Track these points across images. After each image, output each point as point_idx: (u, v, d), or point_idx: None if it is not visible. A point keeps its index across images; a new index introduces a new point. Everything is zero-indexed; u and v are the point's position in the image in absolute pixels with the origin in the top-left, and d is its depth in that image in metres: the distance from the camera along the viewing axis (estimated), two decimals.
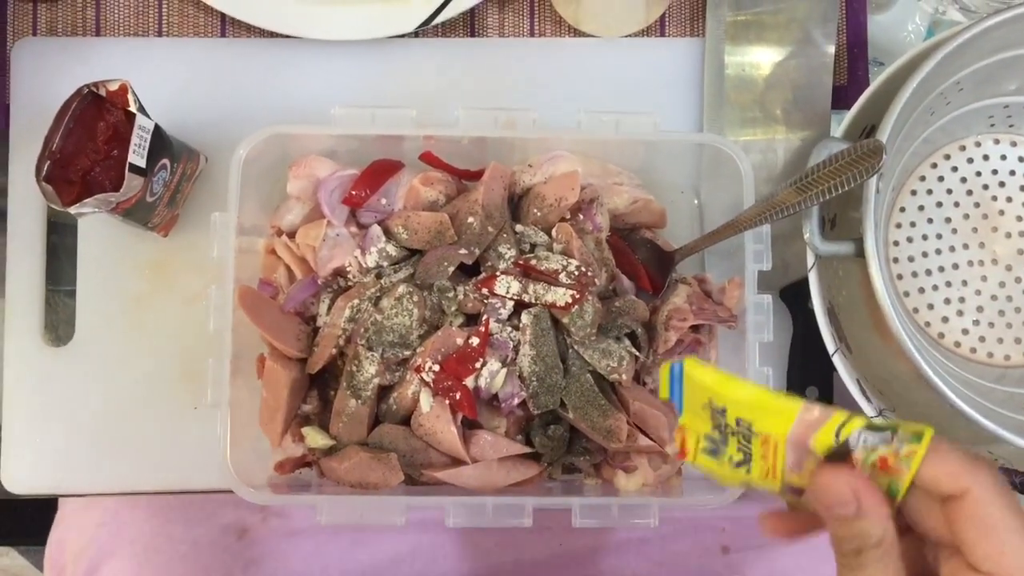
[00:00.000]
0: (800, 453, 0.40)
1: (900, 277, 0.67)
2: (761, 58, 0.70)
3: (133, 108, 0.57)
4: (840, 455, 0.39)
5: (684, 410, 0.43)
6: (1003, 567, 0.37)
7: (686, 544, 0.71)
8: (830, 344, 0.60)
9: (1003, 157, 0.68)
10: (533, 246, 0.64)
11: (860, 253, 0.57)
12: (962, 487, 0.38)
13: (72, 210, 0.56)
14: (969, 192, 0.67)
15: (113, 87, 0.57)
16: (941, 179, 0.68)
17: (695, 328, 0.64)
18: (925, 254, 0.67)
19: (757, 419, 0.41)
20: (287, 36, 0.69)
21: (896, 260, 0.67)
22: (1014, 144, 0.68)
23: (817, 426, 0.40)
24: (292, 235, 0.64)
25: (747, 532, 0.71)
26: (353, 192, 0.63)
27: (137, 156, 0.57)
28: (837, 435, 0.39)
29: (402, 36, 0.69)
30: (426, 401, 0.60)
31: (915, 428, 0.38)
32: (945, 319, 0.67)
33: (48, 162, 0.57)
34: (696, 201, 0.69)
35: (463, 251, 0.62)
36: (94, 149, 0.58)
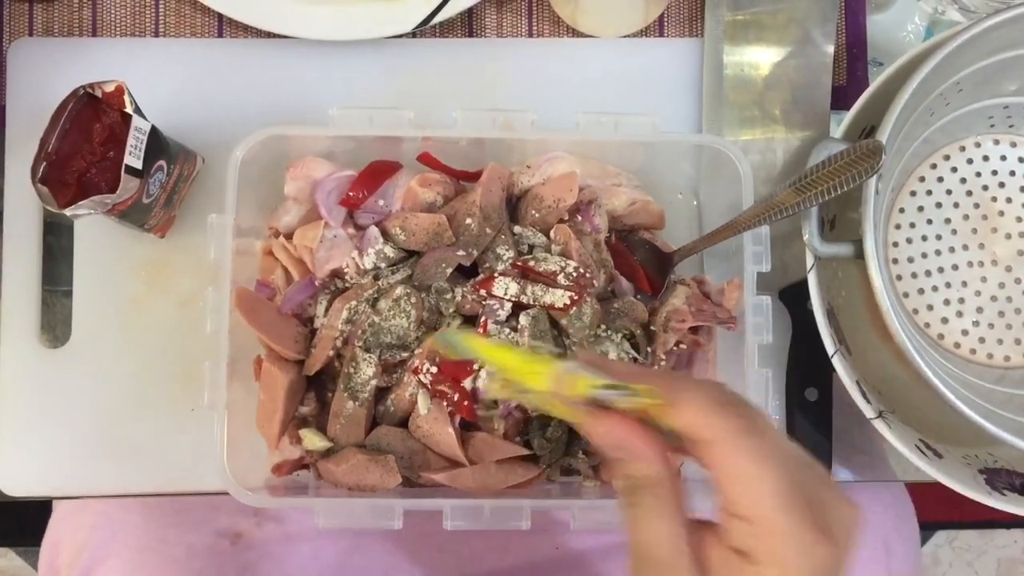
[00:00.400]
0: (570, 401, 0.42)
1: (899, 278, 0.67)
2: (760, 58, 0.70)
3: (129, 109, 0.57)
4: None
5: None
6: (747, 511, 0.38)
7: None
8: (829, 345, 0.60)
9: (1003, 158, 0.68)
10: (531, 247, 0.63)
11: (859, 254, 0.57)
12: (704, 437, 0.39)
13: (68, 212, 0.56)
14: (969, 193, 0.67)
15: (109, 88, 0.57)
16: (941, 180, 0.67)
17: (694, 330, 0.64)
18: (924, 255, 0.67)
19: (525, 378, 0.44)
20: (284, 36, 0.68)
21: (895, 261, 0.67)
22: (1014, 145, 0.68)
23: (567, 384, 0.42)
24: (289, 236, 0.64)
25: None
26: (350, 193, 0.62)
27: (133, 158, 0.57)
28: (583, 390, 0.41)
29: (400, 36, 0.69)
30: (424, 403, 0.60)
31: (639, 387, 0.40)
32: (945, 320, 0.66)
33: (44, 164, 0.56)
34: (695, 202, 0.69)
35: (461, 252, 0.61)
36: (90, 151, 0.57)
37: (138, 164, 0.57)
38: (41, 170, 0.56)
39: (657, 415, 0.40)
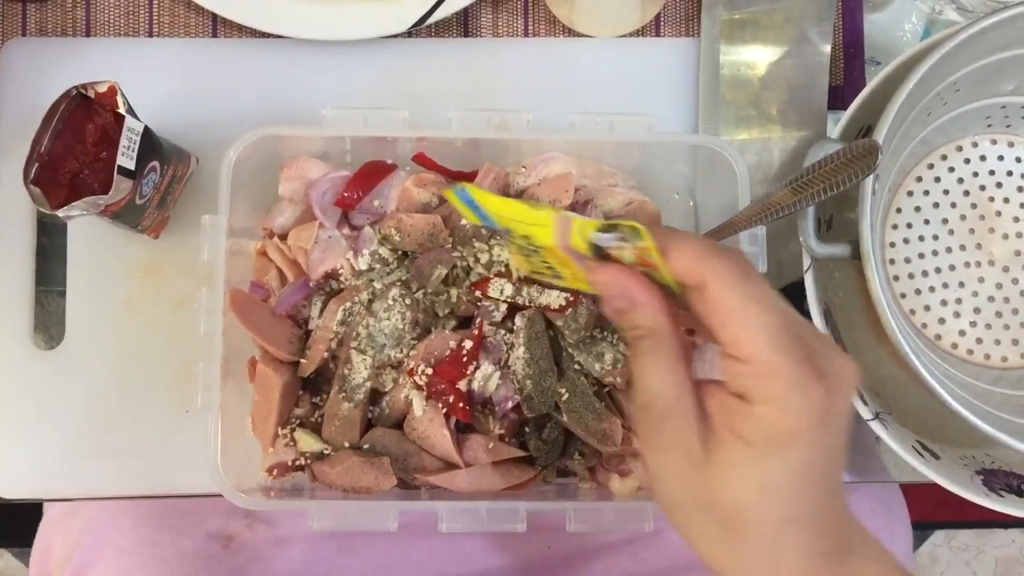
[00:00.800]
0: (577, 256, 0.44)
1: (896, 279, 0.66)
2: (756, 58, 0.70)
3: (122, 110, 0.57)
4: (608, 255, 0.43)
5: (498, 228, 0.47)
6: (741, 351, 0.39)
7: (676, 543, 0.71)
8: None
9: (1000, 158, 0.67)
10: None
11: (856, 255, 0.56)
12: (699, 279, 0.40)
13: (60, 213, 0.55)
14: (966, 193, 0.67)
15: (102, 89, 0.57)
16: (938, 180, 0.67)
17: (691, 331, 0.63)
18: (922, 255, 0.66)
19: (532, 233, 0.45)
20: (279, 36, 0.68)
21: (892, 261, 0.67)
22: (1011, 145, 0.68)
23: (568, 232, 0.43)
24: (284, 237, 0.63)
25: None
26: (345, 194, 0.62)
27: (126, 158, 0.56)
28: (584, 232, 0.43)
29: (395, 36, 0.69)
30: (419, 405, 0.60)
31: (630, 224, 0.41)
32: (942, 321, 0.66)
33: (36, 165, 0.56)
34: (692, 202, 0.69)
35: (456, 253, 0.61)
36: (83, 151, 0.57)
37: (131, 165, 0.57)
38: (33, 171, 0.56)
39: (657, 267, 0.42)
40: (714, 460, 0.40)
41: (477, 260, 0.61)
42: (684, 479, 0.41)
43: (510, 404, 0.60)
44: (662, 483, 0.42)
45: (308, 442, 0.61)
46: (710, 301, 0.40)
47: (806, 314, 0.60)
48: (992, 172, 0.67)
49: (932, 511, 1.47)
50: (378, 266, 0.62)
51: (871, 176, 0.55)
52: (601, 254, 0.43)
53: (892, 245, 0.67)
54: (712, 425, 0.41)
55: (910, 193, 0.67)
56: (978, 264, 0.66)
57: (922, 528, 1.50)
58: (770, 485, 0.39)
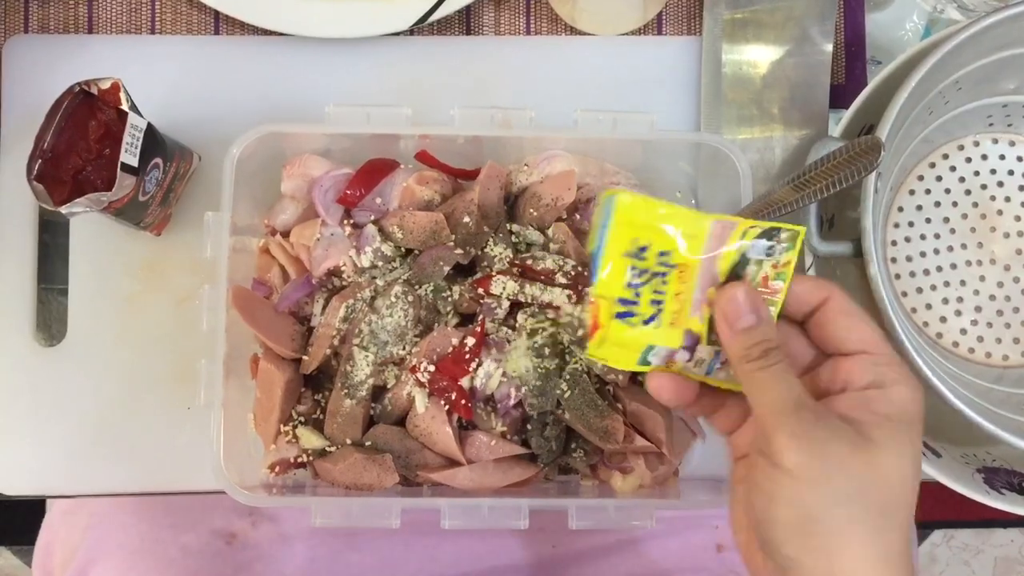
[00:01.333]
0: (707, 280, 0.47)
1: (898, 277, 0.67)
2: (758, 56, 0.70)
3: (125, 107, 0.57)
4: (736, 278, 0.47)
5: (600, 266, 0.47)
6: (869, 344, 0.45)
7: (680, 542, 0.71)
8: None
9: (1001, 157, 0.68)
10: (529, 246, 0.63)
11: (858, 253, 0.56)
12: (824, 294, 0.47)
13: (63, 210, 0.55)
14: (967, 192, 0.67)
15: (105, 85, 0.57)
16: (939, 179, 0.67)
17: None
18: (923, 254, 0.67)
19: (676, 245, 0.47)
20: (281, 34, 0.68)
21: (894, 260, 0.67)
22: (1012, 144, 0.68)
23: (727, 234, 0.47)
24: (286, 234, 0.63)
25: None
26: (348, 191, 0.62)
27: (129, 155, 0.56)
28: (744, 236, 0.47)
29: (397, 34, 0.69)
30: (421, 402, 0.60)
31: (792, 227, 0.47)
32: (943, 319, 0.66)
33: (39, 161, 0.56)
34: (694, 200, 0.69)
35: (459, 251, 0.61)
36: (86, 148, 0.57)
37: (134, 162, 0.57)
38: (36, 167, 0.56)
39: (772, 288, 0.47)
40: (873, 440, 0.43)
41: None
42: (846, 466, 0.42)
43: (512, 401, 0.60)
44: (805, 486, 0.42)
45: (310, 439, 0.61)
46: (835, 308, 0.46)
47: None
48: (993, 171, 0.67)
49: (931, 510, 1.47)
50: (380, 263, 0.62)
51: (873, 174, 0.55)
52: (730, 278, 0.47)
53: (894, 243, 0.67)
54: (856, 419, 0.44)
55: (912, 192, 0.67)
56: (979, 263, 0.66)
57: (921, 527, 1.50)
58: (918, 455, 0.44)
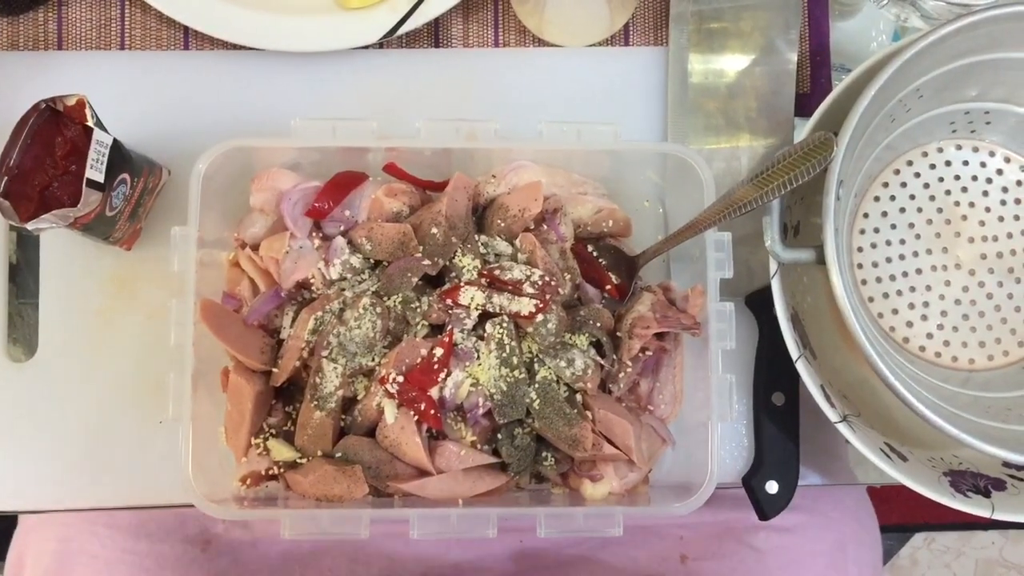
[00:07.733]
0: None
1: (864, 283, 0.67)
2: (724, 66, 0.70)
3: (91, 123, 0.57)
4: None
5: None
6: None
7: (645, 552, 0.72)
8: (793, 350, 0.60)
9: (965, 163, 0.68)
10: (497, 256, 0.64)
11: (821, 260, 0.57)
12: None
13: (30, 226, 0.56)
14: (932, 198, 0.68)
15: (71, 102, 0.57)
16: (904, 185, 0.68)
17: (660, 336, 0.64)
18: (889, 260, 0.67)
19: None
20: (250, 48, 0.68)
21: (860, 266, 0.67)
22: (976, 150, 0.68)
23: None
24: (256, 248, 0.64)
25: (705, 541, 0.71)
26: (316, 204, 0.62)
27: (95, 171, 0.57)
28: None
29: (367, 47, 0.69)
30: (391, 412, 0.60)
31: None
32: (910, 324, 0.67)
33: (5, 178, 0.56)
34: (661, 209, 0.69)
35: (427, 262, 0.62)
36: (52, 164, 0.57)
37: (100, 177, 0.57)
38: (3, 184, 0.56)
39: None
40: None
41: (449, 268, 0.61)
42: None
43: (481, 411, 0.61)
44: None
45: (281, 451, 0.61)
46: None
47: (775, 319, 0.60)
48: (957, 177, 0.68)
49: (912, 513, 1.48)
50: (349, 275, 0.62)
51: (835, 181, 0.56)
52: None
53: (860, 250, 0.67)
54: None
55: (877, 198, 0.68)
56: (944, 268, 0.67)
57: (902, 531, 1.50)
58: None
